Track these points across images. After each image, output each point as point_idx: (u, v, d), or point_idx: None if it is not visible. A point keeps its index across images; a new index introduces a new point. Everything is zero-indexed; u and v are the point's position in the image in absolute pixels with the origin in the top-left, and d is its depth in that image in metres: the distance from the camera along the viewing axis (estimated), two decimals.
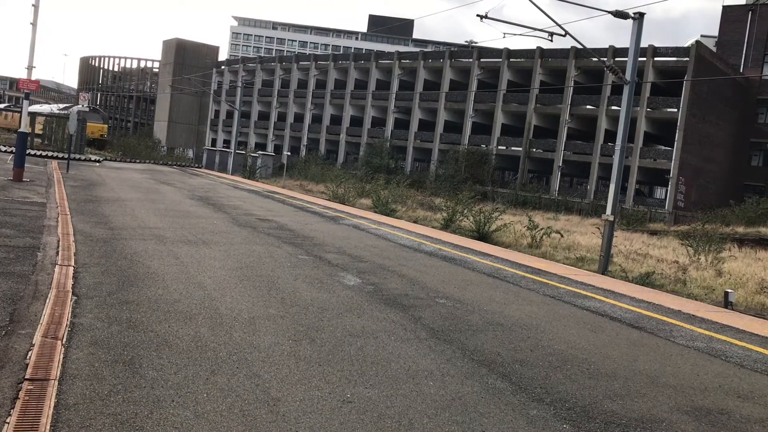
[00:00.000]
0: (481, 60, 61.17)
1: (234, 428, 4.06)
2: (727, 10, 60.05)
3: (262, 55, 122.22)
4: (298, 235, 12.99)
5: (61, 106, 69.13)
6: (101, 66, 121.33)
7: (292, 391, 4.74)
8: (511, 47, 61.41)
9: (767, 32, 56.45)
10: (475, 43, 49.29)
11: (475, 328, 6.88)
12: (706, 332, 7.39)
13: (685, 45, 53.34)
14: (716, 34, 62.32)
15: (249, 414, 4.29)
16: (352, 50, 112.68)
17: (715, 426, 4.67)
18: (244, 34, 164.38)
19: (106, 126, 67.61)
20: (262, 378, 4.95)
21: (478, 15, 21.17)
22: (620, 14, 19.66)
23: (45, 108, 71.56)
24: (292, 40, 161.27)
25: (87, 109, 56.95)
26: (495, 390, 5.10)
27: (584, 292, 9.25)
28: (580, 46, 21.77)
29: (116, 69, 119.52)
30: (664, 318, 7.98)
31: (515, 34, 22.12)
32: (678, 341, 6.95)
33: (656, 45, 49.71)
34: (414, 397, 4.81)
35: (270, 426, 4.14)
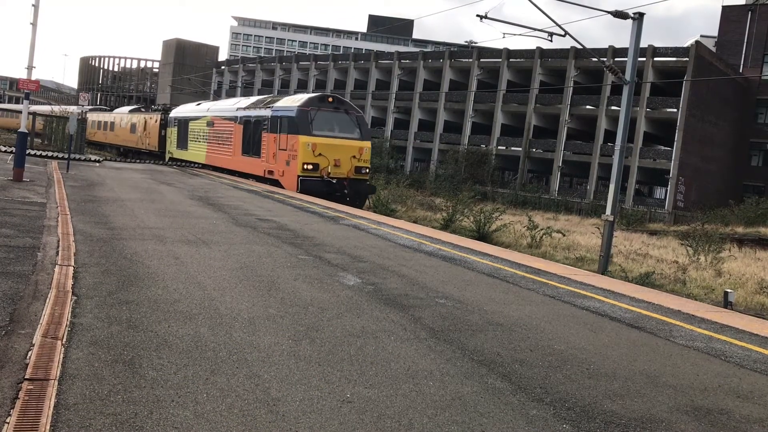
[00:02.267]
0: (481, 60, 61.20)
1: (234, 428, 4.07)
2: (726, 10, 60.06)
3: (262, 55, 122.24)
4: (298, 235, 13.00)
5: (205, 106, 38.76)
6: (101, 66, 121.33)
7: (292, 391, 4.74)
8: (511, 47, 61.55)
9: (766, 32, 56.43)
10: (475, 43, 49.41)
11: (475, 328, 6.88)
12: (706, 332, 7.40)
13: (685, 45, 53.32)
14: (716, 34, 62.31)
15: (249, 414, 4.29)
16: (352, 50, 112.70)
17: (715, 426, 4.67)
18: (244, 34, 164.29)
19: (368, 144, 26.79)
20: (261, 378, 4.96)
21: (477, 15, 21.18)
22: (620, 14, 19.65)
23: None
24: (292, 40, 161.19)
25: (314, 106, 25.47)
26: (495, 390, 5.10)
27: (584, 292, 9.26)
28: (579, 47, 21.78)
29: (116, 69, 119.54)
30: (664, 318, 7.98)
31: (515, 34, 22.09)
32: (678, 341, 6.95)
33: (656, 45, 49.73)
34: (414, 397, 4.81)
35: (270, 426, 4.14)
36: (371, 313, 7.18)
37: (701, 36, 70.28)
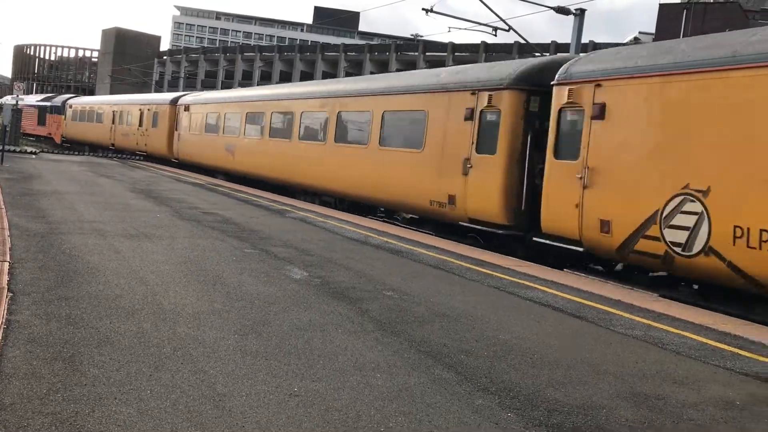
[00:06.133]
0: (427, 53, 61.60)
1: (179, 425, 4.01)
2: (663, 7, 61.74)
3: (206, 45, 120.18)
4: (244, 228, 12.86)
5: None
6: (37, 55, 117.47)
7: (238, 386, 4.69)
8: (456, 41, 62.13)
9: (700, 30, 58.24)
10: (421, 36, 49.67)
11: (422, 320, 6.94)
12: (645, 321, 7.63)
13: (625, 41, 54.63)
14: (654, 30, 63.99)
15: (194, 410, 4.23)
16: (298, 42, 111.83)
17: (653, 411, 4.83)
18: (187, 24, 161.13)
19: None
20: (207, 373, 4.89)
21: (423, 9, 21.33)
22: (562, 10, 20.05)
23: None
24: (236, 31, 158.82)
25: None
26: (441, 380, 5.15)
27: (527, 283, 9.43)
28: (523, 41, 22.11)
29: (53, 58, 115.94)
30: (605, 307, 8.20)
31: (460, 28, 22.58)
32: (618, 330, 7.15)
33: (597, 40, 50.88)
34: (361, 390, 4.82)
35: (216, 421, 4.10)
36: (318, 307, 7.17)
37: (640, 32, 72.09)
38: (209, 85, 77.59)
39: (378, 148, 16.76)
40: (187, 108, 31.31)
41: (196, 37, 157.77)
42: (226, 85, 75.37)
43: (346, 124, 19.09)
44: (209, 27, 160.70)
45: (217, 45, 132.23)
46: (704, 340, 6.93)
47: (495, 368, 5.54)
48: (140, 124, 37.02)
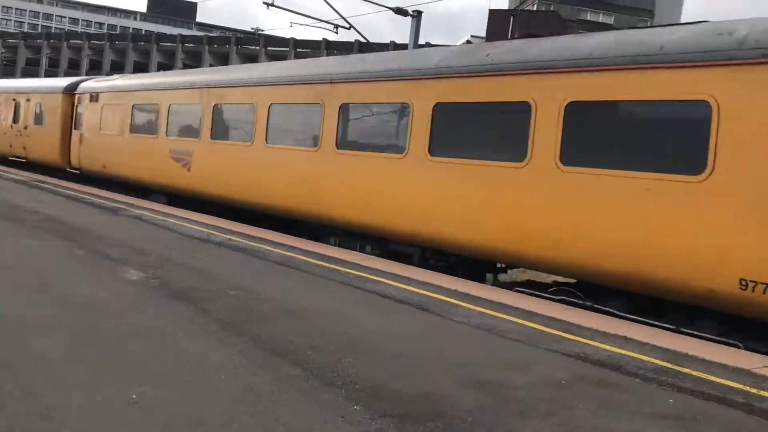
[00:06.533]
0: (269, 48, 60.99)
1: None
2: (493, 13, 65.31)
3: (26, 30, 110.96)
4: (73, 228, 12.03)
5: None
6: None
7: (70, 398, 4.38)
8: (299, 37, 62.07)
9: (525, 36, 62.19)
10: (262, 30, 49.03)
11: (267, 318, 6.86)
12: (481, 309, 8.03)
13: (458, 43, 57.17)
14: (485, 34, 67.49)
15: (19, 427, 3.90)
16: (131, 30, 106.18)
17: (491, 395, 5.09)
18: (4, 6, 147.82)
19: None
20: (33, 387, 4.52)
21: (264, 2, 21.08)
22: (400, 11, 20.67)
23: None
24: (61, 16, 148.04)
25: None
26: (288, 378, 5.12)
27: (372, 277, 9.60)
28: (363, 40, 22.50)
29: None
30: (445, 298, 8.53)
31: (302, 24, 22.72)
32: (457, 320, 7.47)
33: (434, 41, 52.85)
34: (205, 392, 4.68)
35: None
36: (157, 309, 6.86)
37: (472, 36, 75.78)
38: (31, 72, 71.68)
39: (558, 170, 9.04)
40: (95, 97, 22.36)
41: (15, 20, 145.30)
42: (50, 74, 70.04)
43: (458, 124, 10.73)
44: (30, 11, 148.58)
45: (40, 30, 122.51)
46: (533, 325, 7.42)
47: (341, 362, 5.59)
48: (15, 121, 27.70)
